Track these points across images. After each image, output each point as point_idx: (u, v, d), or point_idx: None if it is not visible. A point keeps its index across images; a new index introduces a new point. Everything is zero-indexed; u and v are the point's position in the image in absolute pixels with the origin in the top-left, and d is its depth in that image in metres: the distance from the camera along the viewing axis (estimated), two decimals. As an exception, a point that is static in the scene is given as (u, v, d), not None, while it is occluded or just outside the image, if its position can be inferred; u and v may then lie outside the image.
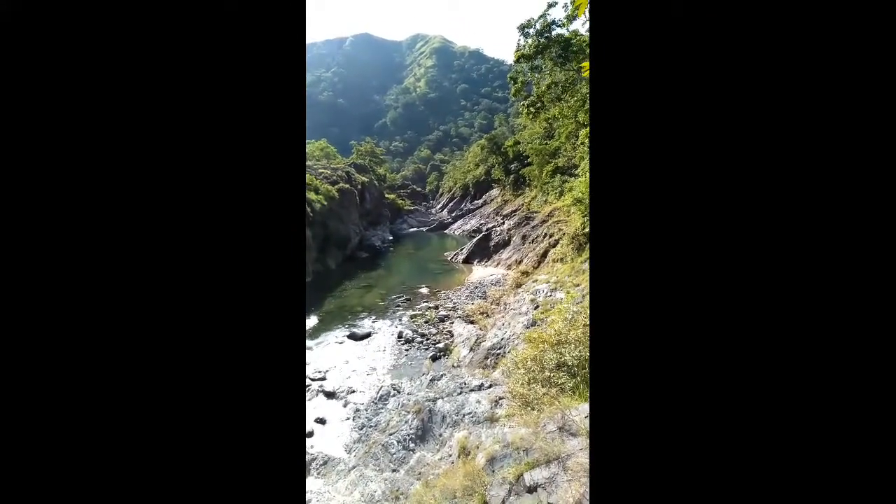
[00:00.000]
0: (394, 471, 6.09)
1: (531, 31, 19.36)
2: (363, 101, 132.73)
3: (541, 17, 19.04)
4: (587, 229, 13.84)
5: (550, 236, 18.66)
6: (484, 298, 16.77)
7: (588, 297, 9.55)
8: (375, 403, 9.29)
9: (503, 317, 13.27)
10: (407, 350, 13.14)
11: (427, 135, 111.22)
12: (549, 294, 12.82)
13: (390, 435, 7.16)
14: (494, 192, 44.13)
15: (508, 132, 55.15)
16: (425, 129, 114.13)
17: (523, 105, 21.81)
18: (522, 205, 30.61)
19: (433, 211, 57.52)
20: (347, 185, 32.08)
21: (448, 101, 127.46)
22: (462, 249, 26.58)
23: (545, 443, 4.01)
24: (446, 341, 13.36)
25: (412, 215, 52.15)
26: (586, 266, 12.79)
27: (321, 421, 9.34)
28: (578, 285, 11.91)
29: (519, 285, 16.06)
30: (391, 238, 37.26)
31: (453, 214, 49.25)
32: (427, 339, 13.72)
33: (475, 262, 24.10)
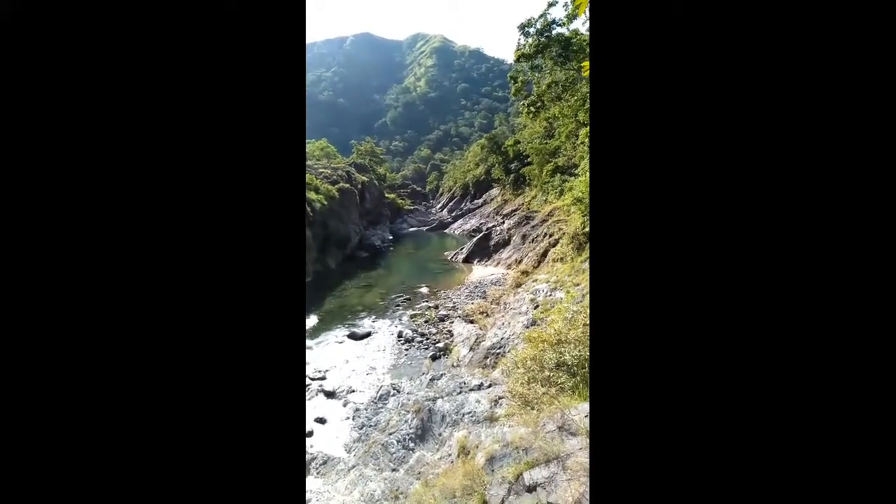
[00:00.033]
0: (393, 470, 6.10)
1: (531, 30, 19.34)
2: (363, 100, 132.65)
3: (541, 16, 19.02)
4: (587, 229, 13.84)
5: (550, 236, 18.65)
6: (484, 298, 16.78)
7: (588, 296, 9.55)
8: (375, 403, 9.30)
9: (503, 316, 13.28)
10: (407, 349, 13.14)
11: (427, 134, 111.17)
12: (548, 293, 12.82)
13: (390, 434, 7.16)
14: (494, 191, 44.12)
15: (508, 131, 55.12)
16: (425, 129, 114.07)
17: (523, 104, 21.80)
18: (522, 204, 30.60)
19: (433, 210, 57.51)
20: (347, 185, 32.07)
21: (448, 100, 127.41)
22: (462, 249, 26.58)
23: (545, 442, 4.01)
24: (446, 341, 13.36)
25: (412, 215, 52.15)
26: (586, 265, 12.79)
27: (321, 420, 9.34)
28: (578, 285, 11.91)
29: (519, 285, 16.06)
30: (391, 237, 37.26)
31: (453, 214, 49.24)
32: (427, 339, 13.72)
33: (475, 262, 24.10)
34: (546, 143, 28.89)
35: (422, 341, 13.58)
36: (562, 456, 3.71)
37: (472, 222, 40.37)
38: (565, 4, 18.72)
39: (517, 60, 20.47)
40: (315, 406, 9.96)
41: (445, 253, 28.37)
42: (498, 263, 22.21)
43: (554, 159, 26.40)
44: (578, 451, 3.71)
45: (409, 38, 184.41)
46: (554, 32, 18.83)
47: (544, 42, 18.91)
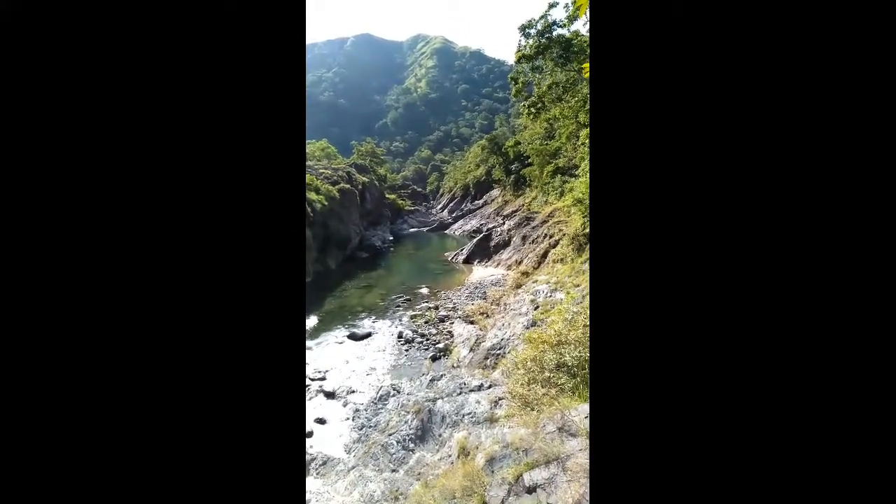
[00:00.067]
0: (393, 471, 6.09)
1: (532, 31, 19.36)
2: (364, 101, 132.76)
3: (542, 17, 19.04)
4: (587, 230, 13.83)
5: (551, 237, 18.65)
6: (484, 299, 16.77)
7: (588, 297, 9.55)
8: (375, 403, 9.29)
9: (503, 317, 13.27)
10: (407, 350, 13.13)
11: (428, 135, 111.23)
12: (549, 294, 12.82)
13: (390, 435, 7.16)
14: (495, 192, 44.15)
15: (509, 132, 55.20)
16: (426, 130, 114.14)
17: (524, 105, 21.81)
18: (523, 205, 30.61)
19: (433, 211, 57.51)
20: (348, 186, 32.09)
21: (449, 101, 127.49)
22: (462, 250, 26.58)
23: (544, 443, 4.01)
24: (446, 341, 13.35)
25: (412, 215, 52.16)
26: (586, 266, 12.78)
27: (321, 421, 9.34)
28: (578, 286, 11.91)
29: (519, 286, 16.06)
30: (391, 238, 37.26)
31: (454, 215, 49.25)
32: (427, 340, 13.72)
33: (475, 263, 24.09)
34: (547, 145, 28.90)
35: (422, 342, 13.57)
36: (562, 457, 3.70)
37: (472, 223, 40.39)
38: (566, 6, 18.75)
39: (518, 61, 20.49)
40: (315, 406, 9.95)
41: (446, 254, 28.37)
42: (498, 264, 22.20)
43: (554, 160, 26.41)
44: (578, 452, 3.70)
45: (409, 38, 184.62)
46: (555, 34, 18.84)
47: (545, 43, 18.92)
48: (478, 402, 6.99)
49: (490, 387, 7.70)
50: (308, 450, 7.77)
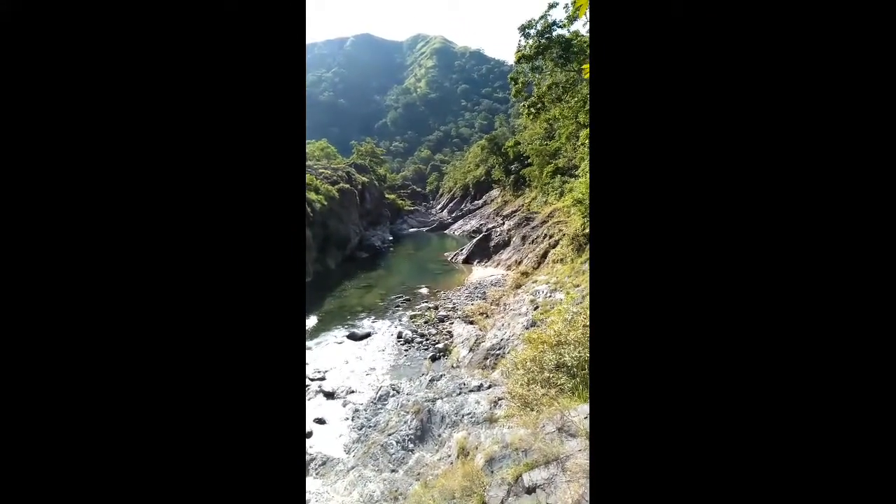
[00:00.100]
0: (393, 471, 6.09)
1: (532, 31, 19.37)
2: (364, 101, 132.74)
3: (542, 17, 19.05)
4: (587, 230, 13.84)
5: (550, 237, 18.65)
6: (484, 299, 16.77)
7: (588, 297, 9.55)
8: (375, 404, 9.29)
9: (503, 317, 13.27)
10: (406, 350, 13.13)
11: (427, 135, 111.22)
12: (548, 295, 12.82)
13: (389, 435, 7.15)
14: (495, 192, 44.15)
15: (509, 133, 55.18)
16: (426, 130, 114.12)
17: (524, 106, 21.82)
18: (522, 205, 30.61)
19: (433, 211, 57.51)
20: (348, 186, 32.08)
21: (449, 101, 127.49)
22: (462, 250, 26.58)
23: (544, 444, 4.01)
24: (446, 342, 13.35)
25: (412, 215, 52.15)
26: (586, 267, 12.78)
27: (320, 421, 9.33)
28: (578, 286, 11.91)
29: (519, 286, 16.06)
30: (391, 238, 37.26)
31: (453, 215, 49.25)
32: (426, 340, 13.71)
33: (475, 263, 24.09)
34: (546, 145, 28.91)
35: (421, 342, 13.57)
36: (561, 457, 3.70)
37: (472, 223, 40.39)
38: (566, 6, 18.76)
39: (518, 62, 20.49)
40: (314, 406, 9.95)
41: (445, 254, 28.37)
42: (498, 264, 22.21)
43: (554, 160, 26.41)
44: (578, 452, 3.70)
45: (409, 38, 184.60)
46: (554, 34, 18.86)
47: (545, 43, 18.93)
48: (477, 402, 6.99)
49: (490, 387, 7.70)
50: (308, 450, 7.77)
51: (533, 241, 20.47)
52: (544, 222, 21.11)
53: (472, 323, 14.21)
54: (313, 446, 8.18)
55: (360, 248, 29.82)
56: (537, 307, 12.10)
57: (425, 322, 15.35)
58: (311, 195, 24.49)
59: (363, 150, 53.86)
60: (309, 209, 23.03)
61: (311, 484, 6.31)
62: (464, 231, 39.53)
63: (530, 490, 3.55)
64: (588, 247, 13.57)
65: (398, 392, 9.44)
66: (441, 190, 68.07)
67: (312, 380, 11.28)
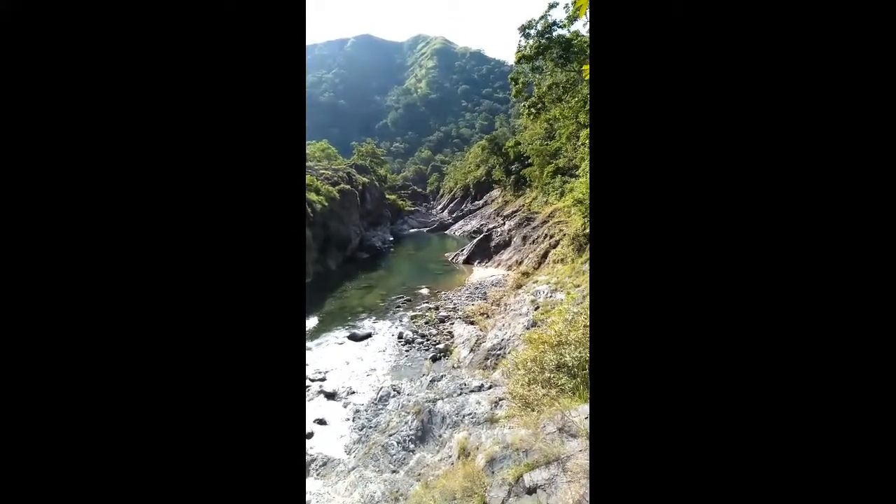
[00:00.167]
0: (393, 472, 6.08)
1: (532, 31, 19.37)
2: (364, 101, 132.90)
3: (542, 18, 19.05)
4: (587, 230, 13.83)
5: (551, 237, 18.64)
6: (484, 299, 16.76)
7: (588, 297, 9.54)
8: (375, 404, 9.29)
9: (503, 318, 13.26)
10: (407, 351, 13.13)
11: (428, 136, 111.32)
12: (549, 295, 12.81)
13: (390, 436, 7.15)
14: (495, 192, 44.17)
15: (509, 133, 55.21)
16: (426, 130, 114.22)
17: (524, 106, 21.83)
18: (523, 205, 30.61)
19: (434, 212, 57.53)
20: (348, 186, 32.09)
21: (449, 101, 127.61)
22: (462, 250, 26.57)
23: (545, 444, 4.01)
24: (446, 342, 13.34)
25: (413, 216, 52.18)
26: (586, 267, 12.77)
27: (321, 422, 9.33)
28: (579, 286, 11.90)
29: (519, 286, 16.05)
30: (392, 239, 37.27)
31: (454, 215, 49.26)
32: (427, 340, 13.71)
33: (476, 263, 24.09)
34: (547, 145, 28.90)
35: (422, 342, 13.56)
36: (562, 458, 3.70)
37: (472, 223, 40.40)
38: (566, 6, 18.76)
39: (518, 62, 20.50)
40: (315, 407, 9.94)
41: (446, 254, 28.37)
42: (498, 265, 22.20)
43: (555, 161, 26.40)
44: (579, 452, 3.70)
45: (409, 39, 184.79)
46: (555, 34, 18.85)
47: (545, 44, 18.93)
48: (478, 402, 6.98)
49: (490, 387, 7.70)
50: (308, 451, 7.76)
51: (533, 242, 20.46)
52: (545, 222, 21.10)
53: (472, 323, 14.20)
54: (314, 447, 8.17)
55: (360, 249, 29.83)
56: (538, 307, 12.10)
57: (426, 322, 15.35)
58: (311, 196, 24.51)
59: (364, 150, 53.90)
60: (309, 210, 23.05)
61: (312, 485, 6.30)
62: (464, 231, 39.54)
63: (531, 490, 3.54)
64: (588, 247, 13.56)
65: (399, 393, 9.44)
66: (441, 190, 68.13)
67: (313, 380, 11.27)
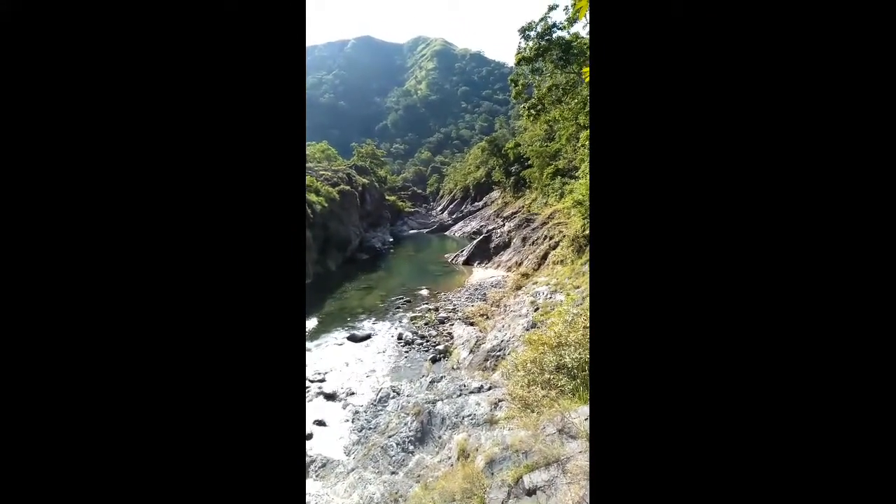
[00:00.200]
0: (393, 473, 6.07)
1: (532, 33, 19.40)
2: (364, 103, 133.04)
3: (541, 19, 19.08)
4: (587, 231, 13.84)
5: (550, 238, 18.65)
6: (484, 300, 16.76)
7: (588, 299, 9.54)
8: (375, 405, 9.28)
9: (503, 319, 13.26)
10: (407, 352, 13.12)
11: (428, 137, 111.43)
12: (548, 296, 12.81)
13: (389, 437, 7.14)
14: (495, 194, 44.21)
15: (509, 134, 55.32)
16: (426, 132, 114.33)
17: (524, 107, 21.85)
18: (523, 207, 30.63)
19: (433, 213, 57.56)
20: (348, 187, 32.11)
21: (449, 103, 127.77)
22: (462, 251, 26.59)
23: (544, 445, 4.00)
24: (446, 343, 13.34)
25: (412, 217, 52.20)
26: (586, 268, 12.78)
27: (320, 423, 9.32)
28: (578, 287, 11.90)
29: (519, 287, 16.05)
30: (391, 240, 37.27)
31: (454, 216, 49.29)
32: (427, 341, 13.70)
33: (475, 264, 24.09)
34: (546, 146, 28.93)
35: (422, 343, 13.56)
36: (562, 459, 3.69)
37: (472, 225, 40.42)
38: (566, 8, 18.79)
39: (518, 64, 20.52)
40: (314, 408, 9.93)
41: (446, 255, 28.37)
42: (498, 266, 22.20)
43: (554, 162, 26.44)
44: (578, 454, 3.69)
45: (409, 41, 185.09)
46: (554, 36, 18.88)
47: (545, 45, 18.96)
48: (478, 403, 6.98)
49: (490, 389, 7.69)
50: (307, 452, 7.75)
51: (533, 243, 20.46)
52: (544, 224, 21.11)
53: (472, 324, 14.20)
54: (313, 448, 8.16)
55: (360, 250, 29.83)
56: (537, 308, 12.09)
57: (426, 324, 15.34)
58: (311, 197, 24.51)
59: (363, 151, 53.95)
60: (309, 211, 23.05)
61: (311, 486, 6.29)
62: (464, 232, 39.56)
63: (531, 492, 3.54)
64: (588, 248, 13.56)
65: (398, 394, 9.43)
66: (441, 192, 68.17)
67: (312, 381, 11.26)
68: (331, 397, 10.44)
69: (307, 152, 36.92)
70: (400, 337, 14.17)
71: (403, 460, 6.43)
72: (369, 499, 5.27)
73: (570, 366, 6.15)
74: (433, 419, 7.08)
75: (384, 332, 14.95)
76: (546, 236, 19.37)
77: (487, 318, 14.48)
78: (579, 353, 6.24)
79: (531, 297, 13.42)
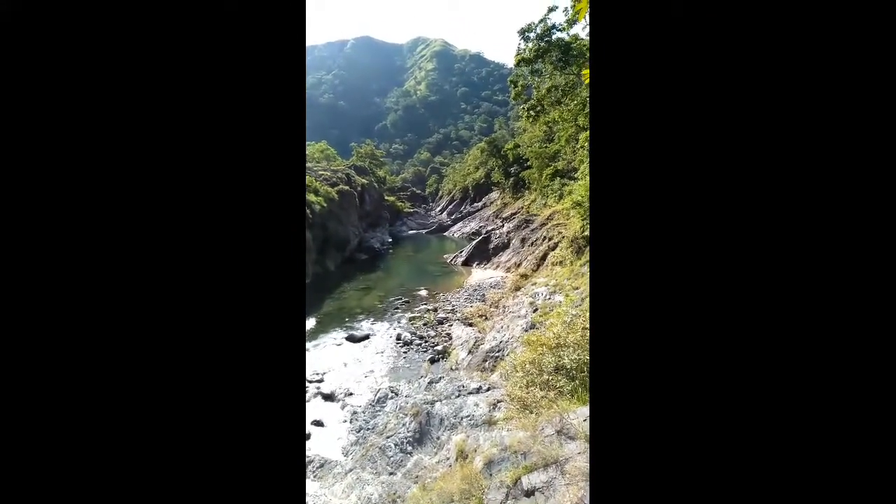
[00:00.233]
0: (391, 474, 6.06)
1: (532, 35, 19.44)
2: (364, 103, 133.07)
3: (541, 21, 19.12)
4: (586, 232, 13.86)
5: (549, 239, 18.67)
6: (483, 301, 16.76)
7: (586, 300, 9.55)
8: (373, 406, 9.26)
9: (502, 319, 13.26)
10: (405, 352, 13.11)
11: (427, 137, 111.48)
12: (547, 297, 12.82)
13: (388, 438, 7.13)
14: (494, 194, 44.24)
15: (508, 135, 55.35)
16: (425, 132, 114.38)
17: (523, 108, 21.88)
18: (522, 208, 30.65)
19: (433, 213, 57.57)
20: (347, 187, 32.09)
21: (448, 103, 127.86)
22: (461, 252, 26.59)
23: (543, 446, 4.00)
24: (445, 344, 13.33)
25: (412, 217, 52.21)
26: (585, 269, 12.79)
27: (319, 423, 9.30)
28: (577, 288, 11.91)
29: (518, 288, 16.06)
30: (390, 240, 37.27)
31: (453, 217, 49.30)
32: (425, 342, 13.70)
33: (474, 265, 24.10)
34: (546, 147, 28.97)
35: (420, 344, 13.55)
36: (560, 460, 3.69)
37: (471, 225, 40.44)
38: (565, 9, 18.84)
39: (517, 65, 20.56)
40: (312, 408, 9.92)
41: (444, 256, 28.38)
42: (497, 266, 22.21)
43: (553, 163, 26.47)
44: (577, 455, 3.69)
45: (409, 41, 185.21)
46: (554, 37, 18.92)
47: (544, 47, 18.99)
48: (476, 404, 6.97)
49: (488, 389, 7.69)
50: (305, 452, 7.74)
51: (532, 244, 20.48)
52: (543, 224, 21.13)
53: (471, 325, 14.19)
54: (311, 448, 8.14)
55: (359, 250, 29.81)
56: (536, 309, 12.10)
57: (424, 324, 15.34)
58: (310, 197, 24.49)
59: (363, 152, 53.94)
60: (308, 211, 23.03)
61: (309, 486, 6.28)
62: (463, 233, 39.57)
63: (529, 493, 3.54)
64: (587, 249, 13.58)
65: (397, 394, 9.42)
66: (440, 192, 68.19)
67: (311, 382, 11.24)
68: (329, 397, 10.42)
69: (307, 152, 36.90)
70: (398, 337, 14.16)
71: (401, 461, 6.42)
72: (367, 499, 5.26)
73: (568, 367, 6.15)
74: (431, 420, 7.07)
75: (383, 333, 14.94)
76: (545, 237, 19.39)
77: (486, 318, 14.48)
78: (578, 355, 6.24)
79: (530, 298, 13.42)
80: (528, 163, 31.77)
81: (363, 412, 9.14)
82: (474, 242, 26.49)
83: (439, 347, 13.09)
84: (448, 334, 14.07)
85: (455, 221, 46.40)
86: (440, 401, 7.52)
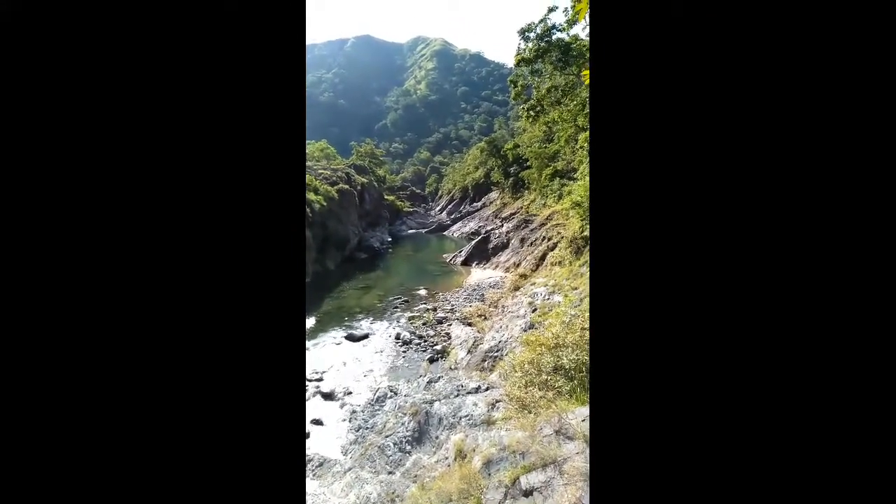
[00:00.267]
0: (390, 473, 6.07)
1: (532, 35, 19.43)
2: (364, 102, 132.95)
3: (541, 21, 19.10)
4: (585, 232, 13.86)
5: (549, 239, 18.67)
6: (482, 301, 16.76)
7: (585, 300, 9.56)
8: (372, 405, 9.26)
9: (501, 319, 13.27)
10: (404, 352, 13.11)
11: (427, 137, 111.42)
12: (546, 297, 12.82)
13: (387, 437, 7.13)
14: (493, 194, 44.24)
15: (508, 135, 55.35)
16: (425, 132, 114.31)
17: (523, 108, 21.86)
18: (521, 208, 30.65)
19: (432, 213, 57.54)
20: (347, 186, 32.06)
21: (448, 103, 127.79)
22: (461, 251, 26.59)
23: (541, 446, 4.01)
24: (444, 343, 13.34)
25: (411, 217, 52.17)
26: (584, 269, 12.80)
27: (318, 422, 9.31)
28: (576, 288, 11.92)
29: (517, 288, 16.06)
30: (390, 239, 37.25)
31: (452, 216, 49.28)
32: (425, 341, 13.70)
33: (474, 265, 24.10)
34: (545, 147, 28.97)
35: (420, 344, 13.55)
36: (559, 460, 3.70)
37: (470, 225, 40.43)
38: (565, 10, 18.83)
39: (517, 65, 20.54)
40: (312, 407, 9.92)
41: (444, 255, 28.38)
42: (496, 266, 22.21)
43: (553, 163, 26.47)
44: (575, 455, 3.70)
45: (409, 40, 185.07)
46: (554, 37, 18.91)
47: (544, 47, 18.98)
48: (475, 404, 6.98)
49: (487, 389, 7.69)
50: (304, 451, 7.73)
51: (531, 244, 20.48)
52: (543, 225, 21.13)
53: (470, 325, 14.20)
54: (310, 447, 8.14)
55: (358, 249, 29.79)
56: (535, 309, 12.11)
57: (423, 324, 15.34)
58: (310, 196, 24.47)
59: (363, 151, 53.88)
60: (308, 210, 23.01)
61: (308, 485, 6.28)
62: (462, 233, 39.56)
63: (527, 493, 3.54)
64: (586, 249, 13.60)
65: (396, 393, 9.42)
66: (440, 192, 68.17)
67: (310, 381, 11.24)
68: (328, 396, 10.42)
69: (306, 151, 36.86)
70: (398, 337, 14.16)
71: (400, 460, 6.43)
72: (366, 498, 5.27)
73: (567, 367, 6.16)
74: (430, 419, 7.08)
75: (382, 332, 14.94)
76: (544, 237, 19.39)
77: (485, 318, 14.48)
78: (577, 355, 6.25)
79: (529, 298, 13.43)
80: (528, 163, 31.77)
81: (362, 411, 9.14)
82: (473, 242, 26.50)
83: (438, 347, 13.10)
84: (447, 334, 14.07)
85: (454, 221, 46.39)
86: (439, 400, 7.52)
